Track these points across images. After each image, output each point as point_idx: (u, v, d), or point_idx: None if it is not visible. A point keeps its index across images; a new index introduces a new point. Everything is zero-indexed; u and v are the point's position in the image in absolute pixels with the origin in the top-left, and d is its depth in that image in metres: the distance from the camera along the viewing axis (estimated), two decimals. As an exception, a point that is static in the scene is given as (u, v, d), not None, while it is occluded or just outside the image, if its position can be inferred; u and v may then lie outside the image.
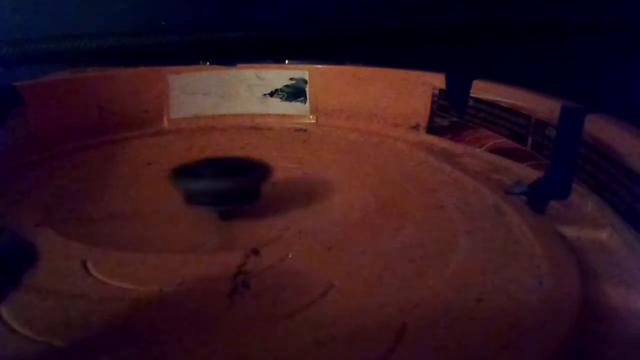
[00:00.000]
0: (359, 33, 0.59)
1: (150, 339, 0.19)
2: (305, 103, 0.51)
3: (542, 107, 0.35)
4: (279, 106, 0.51)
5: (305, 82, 0.50)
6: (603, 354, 0.19)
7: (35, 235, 0.27)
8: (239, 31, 0.58)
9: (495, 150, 0.39)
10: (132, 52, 0.57)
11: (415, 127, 0.46)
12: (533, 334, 0.19)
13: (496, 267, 0.24)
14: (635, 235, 0.25)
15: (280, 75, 0.51)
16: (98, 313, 0.21)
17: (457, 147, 0.42)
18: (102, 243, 0.26)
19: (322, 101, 0.50)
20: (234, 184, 0.28)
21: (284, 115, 0.51)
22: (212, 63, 0.51)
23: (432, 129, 0.45)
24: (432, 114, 0.45)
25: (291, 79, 0.51)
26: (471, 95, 0.42)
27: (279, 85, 0.51)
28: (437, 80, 0.45)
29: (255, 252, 0.25)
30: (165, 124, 0.49)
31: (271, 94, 0.51)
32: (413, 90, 0.46)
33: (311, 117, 0.50)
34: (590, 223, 0.28)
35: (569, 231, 0.28)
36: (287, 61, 0.52)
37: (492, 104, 0.40)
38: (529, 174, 0.35)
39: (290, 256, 0.25)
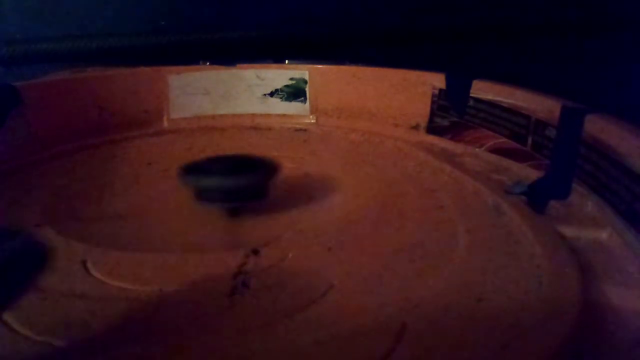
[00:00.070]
0: (359, 33, 0.59)
1: (150, 339, 0.19)
2: (305, 103, 0.51)
3: (542, 107, 0.35)
4: (279, 106, 0.51)
5: (305, 82, 0.50)
6: (603, 354, 0.19)
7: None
8: (239, 31, 0.58)
9: (495, 150, 0.39)
10: (132, 52, 0.57)
11: (415, 127, 0.46)
12: (533, 334, 0.19)
13: (496, 267, 0.24)
14: (635, 235, 0.25)
15: (280, 75, 0.51)
16: (98, 313, 0.21)
17: (457, 147, 0.42)
18: (102, 243, 0.26)
19: (322, 101, 0.50)
20: (244, 181, 0.28)
21: (284, 115, 0.51)
22: (212, 63, 0.51)
23: (432, 129, 0.45)
24: (432, 114, 0.45)
25: (291, 79, 0.51)
26: (471, 95, 0.42)
27: (279, 85, 0.51)
28: (437, 80, 0.45)
29: (255, 252, 0.25)
30: (165, 124, 0.49)
31: (271, 94, 0.51)
32: (413, 90, 0.46)
33: (311, 117, 0.50)
34: (590, 223, 0.28)
35: (569, 231, 0.28)
36: (287, 61, 0.52)
37: (492, 104, 0.40)
38: (529, 174, 0.35)
39: (290, 256, 0.25)
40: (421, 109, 0.46)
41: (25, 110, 0.41)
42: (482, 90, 0.41)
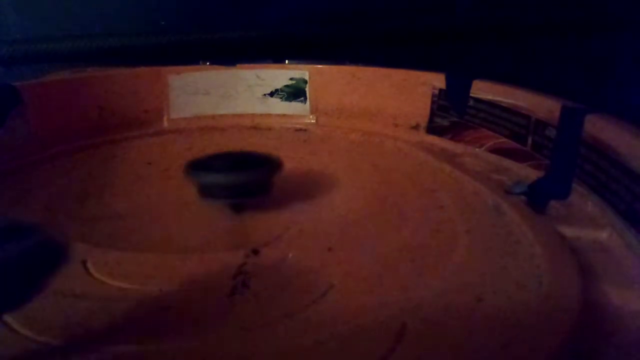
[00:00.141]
0: (359, 33, 0.59)
1: (150, 339, 0.19)
2: (305, 103, 0.51)
3: (542, 107, 0.35)
4: (279, 106, 0.51)
5: (305, 82, 0.50)
6: (603, 354, 0.19)
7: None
8: (239, 31, 0.58)
9: (495, 150, 0.39)
10: (132, 52, 0.57)
11: (415, 127, 0.46)
12: (533, 334, 0.19)
13: (496, 267, 0.24)
14: (635, 235, 0.25)
15: (280, 75, 0.51)
16: (98, 313, 0.21)
17: (457, 147, 0.42)
18: (102, 243, 0.26)
19: (322, 101, 0.50)
20: (248, 177, 0.29)
21: (284, 115, 0.51)
22: (212, 63, 0.51)
23: (432, 129, 0.45)
24: (432, 114, 0.45)
25: (291, 79, 0.51)
26: (471, 95, 0.42)
27: (279, 85, 0.51)
28: (437, 80, 0.45)
29: (255, 252, 0.25)
30: (165, 124, 0.49)
31: (271, 94, 0.51)
32: (413, 90, 0.46)
33: (311, 117, 0.50)
34: (590, 223, 0.28)
35: (569, 231, 0.28)
36: (287, 61, 0.52)
37: (492, 104, 0.40)
38: (529, 174, 0.35)
39: (290, 256, 0.25)
40: (421, 109, 0.46)
41: (25, 110, 0.41)
42: (482, 90, 0.41)
